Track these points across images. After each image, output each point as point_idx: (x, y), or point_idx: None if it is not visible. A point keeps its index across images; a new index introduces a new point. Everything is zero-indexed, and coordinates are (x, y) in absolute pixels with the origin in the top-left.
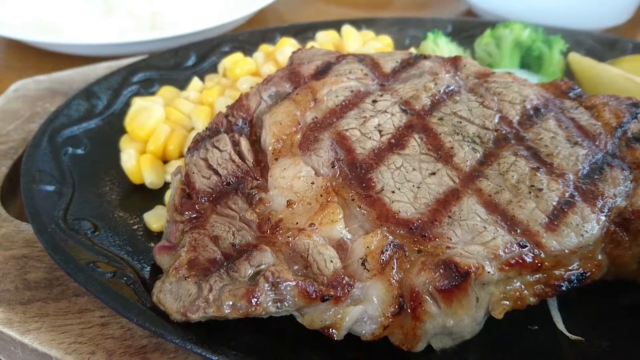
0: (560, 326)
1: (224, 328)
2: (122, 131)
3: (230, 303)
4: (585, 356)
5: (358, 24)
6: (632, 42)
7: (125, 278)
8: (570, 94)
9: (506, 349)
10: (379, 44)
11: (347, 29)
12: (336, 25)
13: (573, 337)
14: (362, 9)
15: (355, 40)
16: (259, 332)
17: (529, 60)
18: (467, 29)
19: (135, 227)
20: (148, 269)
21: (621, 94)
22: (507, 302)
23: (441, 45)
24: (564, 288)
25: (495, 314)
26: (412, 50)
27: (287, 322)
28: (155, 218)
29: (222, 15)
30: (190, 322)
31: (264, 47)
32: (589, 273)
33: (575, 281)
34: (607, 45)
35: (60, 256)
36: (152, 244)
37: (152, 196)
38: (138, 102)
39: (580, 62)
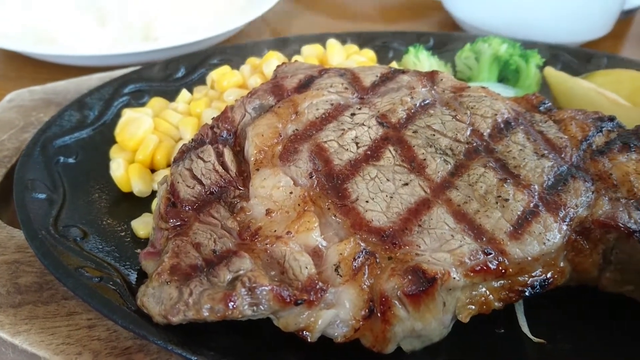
0: (525, 329)
1: (204, 331)
2: (113, 141)
3: (209, 306)
4: (547, 358)
5: (343, 37)
6: (607, 56)
7: (111, 282)
8: (541, 108)
9: (473, 351)
10: (361, 57)
11: (331, 43)
12: (322, 38)
13: (536, 339)
14: (350, 21)
15: (338, 54)
16: (238, 335)
17: (507, 74)
18: (449, 42)
19: (123, 233)
20: (135, 274)
21: (592, 107)
22: (473, 307)
23: (422, 59)
24: (527, 294)
25: (462, 317)
26: (394, 63)
27: (265, 324)
28: (143, 225)
29: (214, 27)
30: (171, 325)
31: (251, 60)
32: (551, 279)
33: (538, 287)
34: (583, 59)
35: (50, 261)
36: (139, 250)
37: (140, 204)
38: (128, 113)
39: (555, 76)
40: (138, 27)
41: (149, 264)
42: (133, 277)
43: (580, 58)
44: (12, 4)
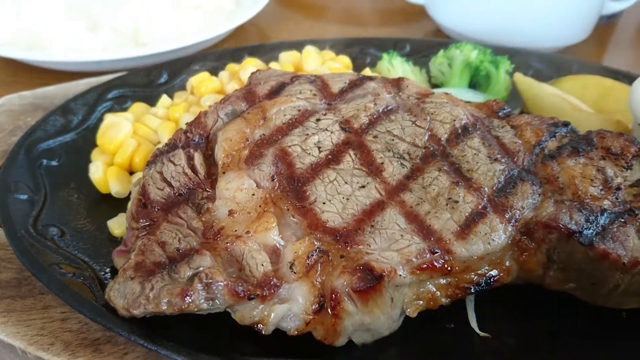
0: (473, 324)
1: (168, 324)
2: (95, 144)
3: (167, 300)
4: (492, 351)
5: (322, 44)
6: (577, 62)
7: (82, 278)
8: (500, 114)
9: (423, 345)
10: (336, 64)
11: (307, 49)
12: (300, 45)
13: (482, 334)
14: (338, 24)
15: (313, 60)
16: (199, 328)
17: (479, 79)
18: (425, 49)
19: (100, 232)
20: (108, 270)
21: (556, 112)
22: (421, 302)
23: (395, 65)
24: (472, 291)
25: (410, 312)
26: (367, 69)
27: (226, 318)
28: (118, 224)
29: (202, 32)
30: (136, 318)
31: (231, 67)
32: (497, 277)
33: (484, 285)
34: (553, 65)
35: (27, 258)
36: (113, 248)
37: (117, 205)
38: (109, 118)
39: (523, 81)
40: (127, 33)
41: (119, 261)
42: (107, 273)
43: (551, 64)
44: (5, 12)
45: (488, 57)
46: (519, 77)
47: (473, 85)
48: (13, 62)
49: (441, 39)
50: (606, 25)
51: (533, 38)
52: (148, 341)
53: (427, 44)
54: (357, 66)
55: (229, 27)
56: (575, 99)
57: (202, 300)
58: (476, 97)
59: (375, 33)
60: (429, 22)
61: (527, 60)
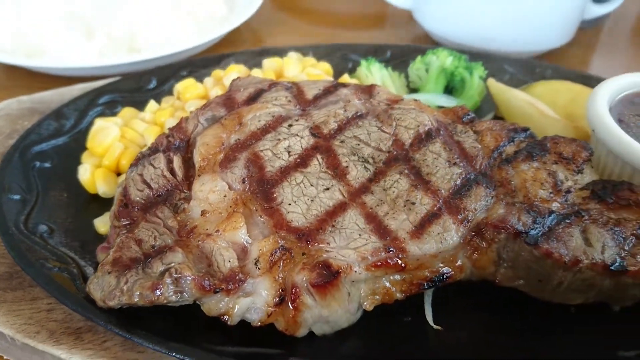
0: (429, 318)
1: (144, 316)
2: (86, 148)
3: (139, 293)
4: (445, 344)
5: (305, 50)
6: (551, 67)
7: (67, 272)
8: (464, 119)
9: (380, 337)
10: (317, 70)
11: (289, 56)
12: (285, 51)
13: (436, 327)
14: (330, 27)
15: (294, 67)
16: (172, 319)
17: (455, 84)
18: (405, 54)
19: (86, 230)
20: (92, 265)
21: (525, 117)
22: (377, 297)
23: (374, 71)
24: (426, 287)
25: (366, 306)
26: (346, 75)
27: (195, 311)
28: (103, 223)
29: (196, 37)
30: (112, 309)
31: (216, 73)
32: (450, 275)
33: (437, 281)
34: (528, 70)
35: (17, 253)
36: (98, 245)
37: (104, 204)
38: (98, 123)
39: (496, 87)
40: (122, 39)
41: (102, 256)
42: (90, 268)
43: (526, 69)
44: (6, 20)
45: (463, 63)
46: (492, 82)
47: (450, 89)
48: (13, 67)
49: (420, 45)
50: (593, 28)
51: (515, 42)
52: (123, 330)
53: (406, 49)
54: (340, 72)
55: (222, 32)
56: (543, 105)
57: (171, 294)
58: (450, 101)
59: (366, 36)
60: (417, 26)
61: (503, 66)
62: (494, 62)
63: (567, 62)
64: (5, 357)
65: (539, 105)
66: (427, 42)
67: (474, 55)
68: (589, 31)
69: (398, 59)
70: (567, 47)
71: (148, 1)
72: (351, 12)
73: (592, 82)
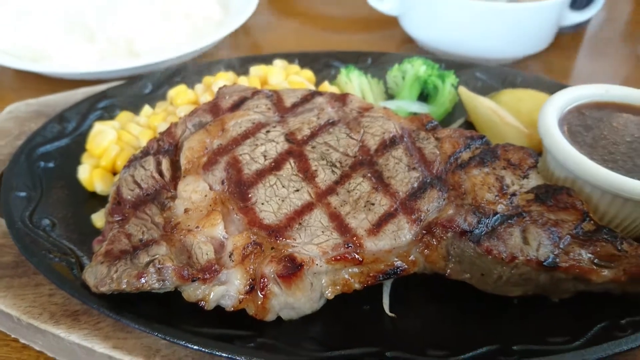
0: (385, 307)
1: (132, 302)
2: (85, 149)
3: (126, 280)
4: (398, 330)
5: (291, 57)
6: (521, 75)
7: (66, 262)
8: (427, 127)
9: (341, 322)
10: (299, 77)
11: (275, 64)
12: (270, 59)
13: (390, 314)
14: (322, 30)
15: (277, 75)
16: (157, 304)
17: (429, 91)
18: (384, 62)
19: (84, 224)
20: (89, 256)
21: (489, 123)
22: (338, 287)
23: (353, 79)
24: (381, 278)
25: (328, 295)
26: (326, 83)
27: (177, 297)
28: (100, 218)
29: (192, 42)
30: (105, 294)
31: (206, 79)
32: (403, 268)
33: (392, 274)
34: (499, 78)
35: (22, 245)
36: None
37: (101, 201)
38: (97, 126)
39: (465, 94)
40: (122, 43)
41: (97, 248)
42: (87, 259)
43: (496, 77)
44: (13, 27)
45: (435, 71)
46: (462, 90)
47: (425, 96)
48: (21, 71)
49: (399, 53)
50: (574, 33)
51: (494, 49)
52: (114, 313)
53: (386, 57)
54: (322, 78)
55: (218, 37)
56: (505, 112)
57: (154, 282)
58: (422, 107)
59: (356, 39)
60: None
61: (475, 74)
62: (468, 70)
63: (548, 67)
64: (12, 336)
65: (501, 112)
66: (414, 46)
67: (450, 63)
68: (571, 35)
69: (378, 66)
70: (548, 52)
71: (146, 7)
72: (343, 16)
73: (556, 89)
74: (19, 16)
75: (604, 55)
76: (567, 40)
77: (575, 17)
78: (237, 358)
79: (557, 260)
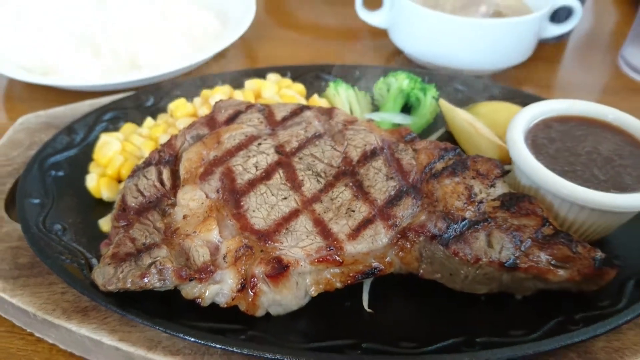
0: (365, 303)
1: (138, 299)
2: (92, 159)
3: (131, 280)
4: (375, 325)
5: (284, 71)
6: (499, 88)
7: (77, 263)
8: (406, 138)
9: (324, 317)
10: (290, 91)
11: (268, 78)
12: (264, 73)
13: (368, 310)
14: (317, 39)
15: (270, 88)
16: (159, 301)
17: (412, 103)
18: (372, 75)
19: (92, 229)
20: (97, 258)
21: (465, 134)
22: (321, 286)
23: (340, 92)
24: (360, 278)
25: (312, 293)
26: (315, 96)
27: (176, 295)
28: (106, 223)
29: (190, 56)
30: (111, 293)
31: (204, 93)
32: (380, 269)
33: (369, 274)
34: (478, 90)
35: (37, 248)
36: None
37: (107, 207)
38: (103, 138)
39: (445, 106)
40: (125, 57)
41: (104, 251)
42: (95, 260)
43: (476, 89)
44: (24, 43)
45: (418, 85)
46: (442, 102)
47: (408, 108)
48: (31, 84)
49: (385, 66)
50: (556, 44)
51: (476, 61)
52: (120, 309)
53: (373, 70)
54: (313, 90)
55: (216, 49)
56: (480, 123)
57: (156, 281)
58: (405, 119)
59: (350, 48)
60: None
61: (456, 86)
62: (450, 83)
63: (530, 77)
64: (27, 330)
65: (476, 124)
66: (404, 57)
67: (433, 75)
68: (554, 45)
69: (366, 78)
70: (530, 63)
71: (148, 22)
72: (336, 27)
73: (532, 101)
74: (33, 33)
75: (585, 65)
76: (549, 50)
77: (555, 30)
78: (230, 349)
79: (518, 261)
